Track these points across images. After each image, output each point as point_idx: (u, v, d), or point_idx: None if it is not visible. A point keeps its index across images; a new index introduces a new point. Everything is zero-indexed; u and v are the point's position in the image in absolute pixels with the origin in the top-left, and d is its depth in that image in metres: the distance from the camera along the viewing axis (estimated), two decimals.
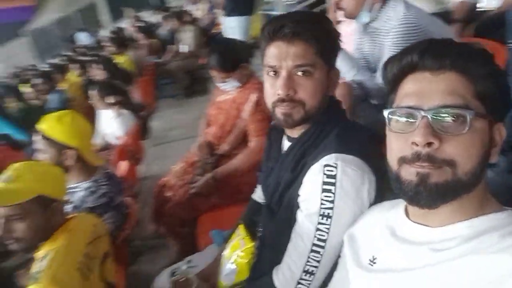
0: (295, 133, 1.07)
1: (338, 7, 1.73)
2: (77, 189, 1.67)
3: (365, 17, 1.68)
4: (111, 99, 2.85)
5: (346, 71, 1.76)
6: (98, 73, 4.22)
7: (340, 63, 1.52)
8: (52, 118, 1.67)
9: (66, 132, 1.64)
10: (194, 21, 6.30)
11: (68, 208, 1.61)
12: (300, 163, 1.02)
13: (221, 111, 2.10)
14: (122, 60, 4.73)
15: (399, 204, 0.82)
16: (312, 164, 0.98)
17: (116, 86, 2.98)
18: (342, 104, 1.12)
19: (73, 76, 5.45)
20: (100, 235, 1.42)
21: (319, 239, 0.95)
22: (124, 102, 2.88)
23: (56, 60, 8.01)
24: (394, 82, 0.74)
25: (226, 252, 1.28)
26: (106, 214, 1.67)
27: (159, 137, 4.38)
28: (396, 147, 0.71)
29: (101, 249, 1.39)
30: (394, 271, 0.74)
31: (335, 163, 0.94)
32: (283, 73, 0.96)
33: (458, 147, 0.65)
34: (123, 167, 2.45)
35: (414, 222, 0.75)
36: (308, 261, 0.97)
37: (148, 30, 6.36)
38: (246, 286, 1.16)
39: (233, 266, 1.23)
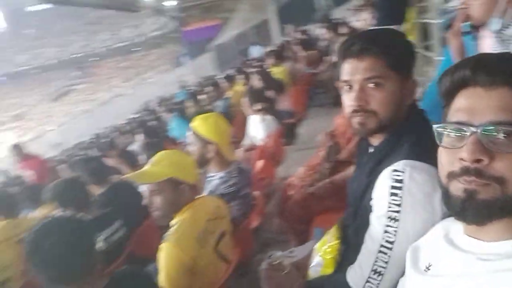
0: (376, 141, 1.13)
1: (466, 15, 1.63)
2: (213, 178, 2.04)
3: (496, 24, 1.54)
4: (258, 106, 3.23)
5: None
6: (256, 82, 4.76)
7: None
8: (201, 118, 2.08)
9: (210, 129, 2.01)
10: (351, 32, 6.38)
11: (204, 192, 1.99)
12: (375, 169, 1.08)
13: (346, 120, 2.20)
14: (277, 71, 5.19)
15: None
16: (384, 169, 1.03)
17: (263, 95, 3.35)
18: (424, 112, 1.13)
19: (239, 85, 6.22)
20: (221, 216, 1.73)
21: (387, 241, 1.00)
22: (268, 109, 3.23)
23: (229, 72, 9.23)
24: (447, 97, 0.75)
25: (316, 246, 1.40)
26: (233, 201, 1.99)
27: (303, 142, 4.63)
28: (446, 162, 0.71)
29: (220, 227, 1.69)
30: (444, 276, 0.76)
31: (404, 169, 0.98)
32: (355, 86, 1.05)
33: (509, 165, 0.63)
34: (259, 165, 2.77)
35: (469, 236, 0.76)
36: (376, 261, 1.03)
37: (307, 42, 6.75)
38: (325, 280, 1.26)
39: (320, 259, 1.34)
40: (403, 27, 3.87)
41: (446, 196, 0.72)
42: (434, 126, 0.74)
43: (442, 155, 0.73)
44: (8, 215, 3.26)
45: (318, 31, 9.32)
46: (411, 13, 4.10)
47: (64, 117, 29.13)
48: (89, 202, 2.42)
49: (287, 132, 4.05)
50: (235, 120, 4.89)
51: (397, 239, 0.99)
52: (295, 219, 2.18)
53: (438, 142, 0.73)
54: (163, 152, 1.70)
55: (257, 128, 3.30)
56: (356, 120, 1.09)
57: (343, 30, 6.14)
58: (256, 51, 12.43)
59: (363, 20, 7.86)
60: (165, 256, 1.48)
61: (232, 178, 2.02)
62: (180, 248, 1.48)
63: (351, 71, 1.06)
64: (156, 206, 1.61)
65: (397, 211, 0.98)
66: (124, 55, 35.28)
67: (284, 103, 4.51)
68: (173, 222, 1.59)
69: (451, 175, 0.69)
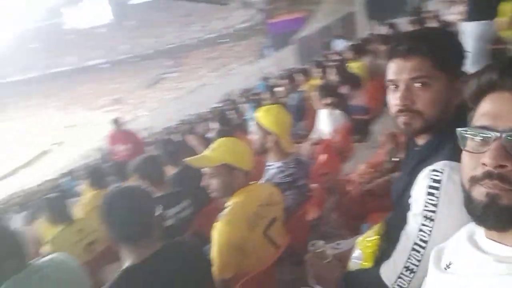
0: (421, 140, 1.13)
1: None
2: (271, 167, 2.14)
3: None
4: (327, 100, 3.24)
5: None
6: (332, 77, 4.73)
7: None
8: (264, 109, 2.18)
9: (270, 121, 2.11)
10: (444, 26, 5.97)
11: (262, 179, 2.10)
12: (417, 168, 1.08)
13: None
14: (356, 65, 5.08)
15: None
16: (424, 169, 1.04)
17: (333, 89, 3.35)
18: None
19: (315, 79, 6.21)
20: (273, 203, 1.82)
21: (421, 240, 1.02)
22: (338, 103, 3.22)
23: (308, 65, 9.21)
24: (474, 100, 0.74)
25: (359, 239, 1.43)
26: (288, 191, 2.07)
27: (375, 141, 4.50)
28: (468, 166, 0.71)
29: (271, 213, 1.79)
30: (461, 275, 0.76)
31: (442, 169, 0.98)
32: (401, 86, 1.06)
33: None
34: (322, 159, 2.80)
35: (490, 239, 0.75)
36: (409, 258, 1.05)
37: (389, 37, 6.45)
38: (361, 272, 1.29)
39: (360, 253, 1.37)
40: (496, 22, 3.57)
41: (468, 200, 0.72)
42: (458, 129, 0.73)
43: (465, 159, 0.73)
44: (99, 186, 3.74)
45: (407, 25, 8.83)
46: (508, 6, 3.75)
47: (156, 103, 31.52)
48: (163, 180, 2.68)
49: (359, 129, 3.97)
50: (307, 113, 4.93)
51: (431, 238, 1.00)
52: (350, 214, 2.20)
53: (461, 146, 0.73)
54: (222, 139, 1.84)
55: (325, 122, 3.31)
56: (401, 120, 1.10)
57: (432, 24, 5.77)
58: (339, 45, 12.16)
59: (457, 14, 7.30)
60: (217, 234, 1.63)
61: (289, 169, 2.10)
62: (230, 228, 1.61)
63: (397, 70, 1.07)
64: (212, 188, 1.76)
65: (433, 211, 0.99)
66: (212, 46, 36.88)
67: (359, 99, 4.42)
68: (227, 203, 1.73)
69: (474, 180, 0.70)
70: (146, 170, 2.53)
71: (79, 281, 1.64)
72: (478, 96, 0.73)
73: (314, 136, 3.65)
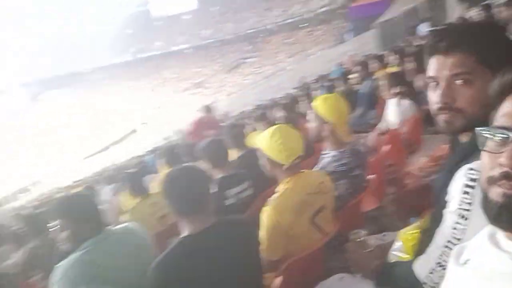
0: (464, 138, 1.09)
1: None
2: (326, 156, 2.17)
3: None
4: (396, 89, 3.13)
5: None
6: (408, 64, 4.50)
7: None
8: (321, 98, 2.20)
9: (327, 110, 2.13)
10: None
11: (316, 167, 2.15)
12: (457, 166, 1.06)
13: None
14: None
15: None
16: (463, 167, 1.02)
17: (403, 78, 3.22)
18: None
19: (392, 66, 5.93)
20: (323, 191, 1.86)
21: (454, 237, 1.01)
22: (407, 93, 3.09)
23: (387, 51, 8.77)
24: (495, 100, 0.73)
25: (401, 232, 1.43)
26: (341, 180, 2.09)
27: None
28: (486, 166, 0.71)
29: (320, 202, 1.84)
30: (478, 270, 0.77)
31: (479, 168, 0.95)
32: (442, 83, 1.02)
33: None
34: (385, 150, 2.75)
35: (509, 239, 0.75)
36: (441, 255, 1.05)
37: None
38: (397, 265, 1.30)
39: (401, 245, 1.38)
40: None
41: (485, 200, 0.72)
42: (477, 129, 0.73)
43: (484, 159, 0.73)
44: (172, 165, 4.06)
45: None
46: None
47: (234, 88, 32.45)
48: (227, 162, 2.84)
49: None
50: (380, 102, 4.77)
51: (464, 237, 0.99)
52: (407, 208, 2.15)
53: (480, 146, 0.73)
54: (273, 127, 1.91)
55: (393, 112, 3.21)
56: (441, 118, 1.06)
57: None
58: (425, 29, 11.35)
59: None
60: (265, 218, 1.73)
61: (345, 158, 2.11)
62: (277, 213, 1.71)
63: (438, 67, 1.04)
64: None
65: (467, 210, 0.98)
66: (291, 31, 36.67)
67: None
68: (277, 189, 1.82)
69: (491, 180, 0.70)
70: (210, 152, 2.71)
71: (146, 247, 1.87)
72: (500, 96, 0.72)
73: (381, 126, 3.55)
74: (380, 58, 6.16)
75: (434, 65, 1.06)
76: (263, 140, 1.85)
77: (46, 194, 17.99)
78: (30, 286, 3.03)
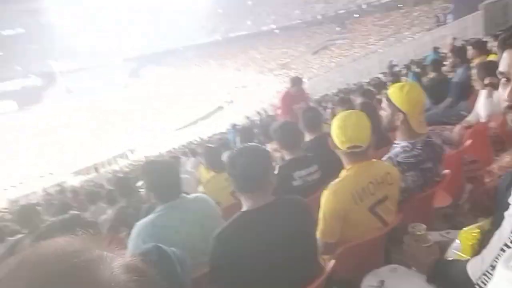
0: None
1: None
2: (396, 146, 2.11)
3: None
4: (487, 80, 2.87)
5: None
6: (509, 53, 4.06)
7: None
8: (397, 86, 2.13)
9: (401, 99, 2.05)
10: None
11: (384, 158, 2.11)
12: None
13: None
14: None
15: None
16: None
17: (494, 68, 2.92)
18: None
19: (493, 54, 5.37)
20: (388, 182, 1.83)
21: (511, 241, 0.97)
22: (498, 85, 2.81)
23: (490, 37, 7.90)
24: None
25: (462, 231, 1.38)
26: (410, 171, 2.02)
27: None
28: None
29: (383, 191, 1.82)
30: None
31: None
32: None
33: None
34: (466, 144, 2.57)
35: None
36: (496, 258, 1.01)
37: None
38: (452, 263, 1.26)
39: (459, 244, 1.33)
40: None
41: None
42: None
43: None
44: (247, 143, 4.24)
45: None
46: None
47: (319, 70, 31.88)
48: (297, 145, 2.90)
49: None
50: (473, 92, 4.39)
51: None
52: (481, 208, 2.02)
53: None
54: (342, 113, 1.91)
55: (482, 104, 2.96)
56: (510, 117, 1.01)
57: None
58: None
59: None
60: (324, 200, 1.77)
61: (415, 150, 2.03)
62: (335, 197, 1.74)
63: (510, 62, 0.98)
64: None
65: None
66: (384, 12, 34.62)
67: None
68: (340, 174, 1.84)
69: None
70: (282, 134, 2.78)
71: (213, 217, 2.04)
72: None
73: (470, 118, 3.30)
74: (481, 44, 5.58)
75: (506, 60, 1.00)
76: (332, 122, 1.91)
77: (139, 160, 19.86)
78: (118, 240, 3.46)
